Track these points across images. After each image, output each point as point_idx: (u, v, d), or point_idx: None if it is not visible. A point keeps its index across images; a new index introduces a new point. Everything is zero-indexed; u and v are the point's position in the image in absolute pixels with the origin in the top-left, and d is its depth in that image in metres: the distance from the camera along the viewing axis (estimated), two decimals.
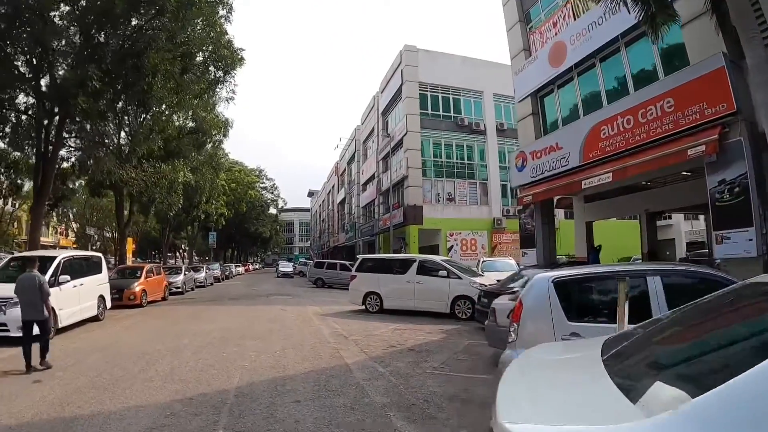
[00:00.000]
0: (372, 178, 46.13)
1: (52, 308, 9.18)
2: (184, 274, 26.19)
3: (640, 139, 12.36)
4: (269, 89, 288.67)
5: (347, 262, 33.74)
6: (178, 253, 76.59)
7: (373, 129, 46.89)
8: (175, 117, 22.84)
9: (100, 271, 14.66)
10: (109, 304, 14.94)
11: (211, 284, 33.73)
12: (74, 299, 12.47)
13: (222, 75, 20.54)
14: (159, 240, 66.40)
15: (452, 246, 34.98)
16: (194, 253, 78.72)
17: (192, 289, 27.70)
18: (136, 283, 18.36)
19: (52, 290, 9.01)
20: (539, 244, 17.91)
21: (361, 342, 10.78)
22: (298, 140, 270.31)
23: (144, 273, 19.42)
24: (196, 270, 32.65)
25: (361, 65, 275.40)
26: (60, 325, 11.54)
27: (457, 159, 36.84)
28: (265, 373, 7.85)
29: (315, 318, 14.97)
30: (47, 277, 10.13)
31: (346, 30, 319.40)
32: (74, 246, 70.62)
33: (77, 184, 27.49)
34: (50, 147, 18.86)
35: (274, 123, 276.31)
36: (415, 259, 16.48)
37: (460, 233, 35.50)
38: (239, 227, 67.17)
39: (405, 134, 35.58)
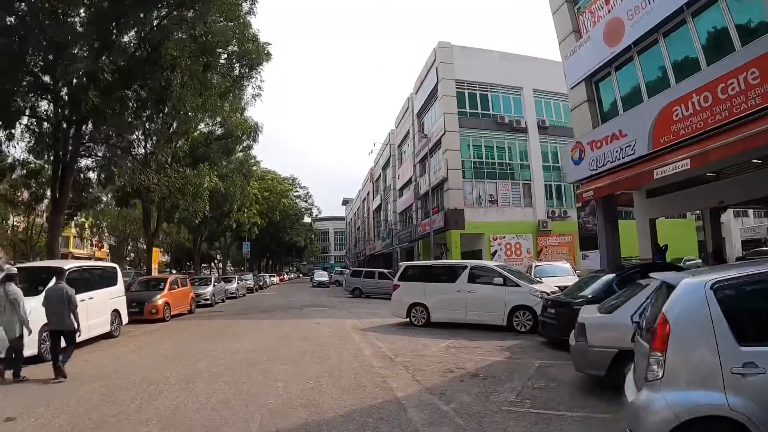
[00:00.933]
0: (409, 182, 44.44)
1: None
2: (214, 285, 24.76)
3: (722, 117, 10.32)
4: (300, 97, 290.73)
5: (386, 270, 31.92)
6: (213, 264, 76.28)
7: (408, 132, 45.26)
8: (201, 121, 21.34)
9: (114, 284, 13.27)
10: (125, 319, 13.49)
11: (243, 295, 32.32)
12: (81, 315, 10.88)
13: (247, 71, 18.96)
14: (192, 251, 66.48)
15: (496, 251, 32.91)
16: (229, 264, 78.35)
17: (223, 301, 26.30)
18: (158, 296, 16.94)
19: None
20: (603, 244, 15.84)
21: (411, 365, 8.86)
22: (332, 148, 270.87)
23: (167, 285, 18.00)
24: (228, 281, 31.31)
25: (393, 68, 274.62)
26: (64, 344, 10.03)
27: (498, 159, 34.86)
28: (295, 414, 6.02)
29: (354, 334, 13.10)
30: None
31: (376, 32, 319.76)
32: (108, 258, 71.19)
33: (103, 193, 26.54)
34: (68, 152, 17.67)
35: (307, 131, 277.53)
36: (465, 265, 14.47)
37: (504, 237, 33.41)
38: (273, 237, 66.08)
39: (443, 134, 33.80)
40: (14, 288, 7.98)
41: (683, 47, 12.74)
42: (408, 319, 14.66)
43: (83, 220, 56.07)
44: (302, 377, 7.91)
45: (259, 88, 19.65)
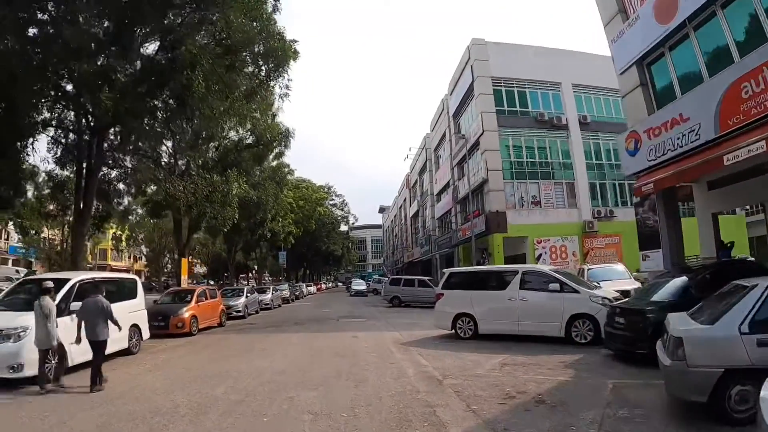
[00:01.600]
0: (446, 186, 43.04)
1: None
2: (246, 297, 23.78)
3: None
4: (335, 104, 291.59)
5: (426, 278, 30.48)
6: (250, 274, 76.30)
7: (444, 134, 43.93)
8: (228, 125, 20.44)
9: (134, 296, 12.36)
10: (146, 335, 12.52)
11: (279, 306, 31.35)
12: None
13: (273, 69, 17.92)
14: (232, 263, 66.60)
15: (540, 254, 31.12)
16: (267, 274, 78.15)
17: (256, 312, 25.34)
18: (184, 309, 15.98)
19: (61, 320, 8.74)
20: (665, 243, 14.27)
21: (463, 389, 7.47)
22: (367, 155, 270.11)
23: (195, 297, 17.05)
24: (262, 291, 30.38)
25: (427, 70, 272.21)
26: (71, 363, 9.13)
27: (539, 158, 33.12)
28: None
29: (395, 349, 11.75)
30: (56, 303, 8.84)
31: (408, 35, 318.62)
32: (146, 270, 72.07)
33: (134, 204, 26.07)
34: (91, 162, 17.03)
35: (342, 139, 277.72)
36: (517, 270, 12.94)
37: (549, 240, 31.55)
38: (310, 246, 65.48)
39: (481, 134, 32.33)
40: (48, 301, 8.27)
41: (746, 17, 11.32)
42: (453, 331, 13.23)
43: (120, 232, 56.91)
44: (335, 407, 6.59)
45: (287, 87, 18.49)
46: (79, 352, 8.94)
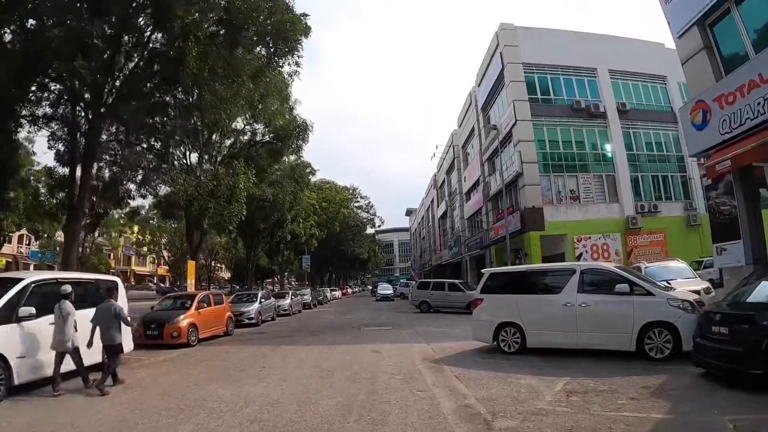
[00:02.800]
0: (476, 184, 40.66)
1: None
2: (261, 302, 21.71)
3: None
4: (357, 109, 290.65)
5: (457, 281, 28.11)
6: (275, 279, 74.97)
7: (473, 129, 41.55)
8: (236, 113, 18.45)
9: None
10: (128, 345, 10.46)
11: (299, 312, 29.25)
12: (45, 342, 8.14)
13: (282, 45, 15.81)
14: (257, 267, 65.05)
15: (581, 254, 28.44)
16: (293, 278, 76.60)
17: (272, 319, 23.29)
18: (181, 316, 13.98)
19: (3, 328, 7.77)
20: (745, 232, 11.90)
21: None
22: (393, 158, 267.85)
23: (195, 303, 15.00)
24: (281, 296, 28.34)
25: (452, 66, 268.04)
26: (16, 382, 7.56)
27: (577, 149, 30.49)
28: None
29: (424, 368, 9.40)
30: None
31: (428, 30, 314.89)
32: (168, 274, 71.15)
33: (143, 204, 24.45)
34: (86, 152, 15.28)
35: (367, 140, 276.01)
36: (573, 269, 10.47)
37: (590, 238, 28.82)
38: (335, 249, 63.58)
39: (513, 125, 29.91)
40: (68, 305, 8.27)
41: None
42: (495, 344, 10.85)
43: (140, 237, 56.03)
44: None
45: (297, 65, 16.31)
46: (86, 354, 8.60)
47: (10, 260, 52.78)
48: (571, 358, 9.58)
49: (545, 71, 30.97)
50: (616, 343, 9.53)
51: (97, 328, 8.49)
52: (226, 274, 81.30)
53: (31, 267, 49.69)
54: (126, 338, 10.60)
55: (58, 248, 42.20)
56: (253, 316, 20.37)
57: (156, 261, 67.75)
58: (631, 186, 29.96)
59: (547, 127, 30.21)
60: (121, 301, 10.64)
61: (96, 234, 35.15)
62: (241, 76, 15.69)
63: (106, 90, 15.28)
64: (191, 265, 21.68)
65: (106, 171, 19.51)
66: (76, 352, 8.28)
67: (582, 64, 30.97)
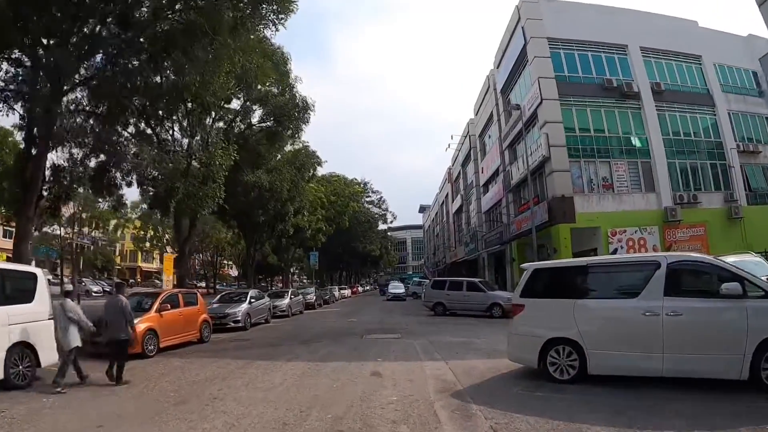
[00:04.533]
0: (495, 174, 37.70)
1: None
2: (250, 303, 18.80)
3: None
4: (368, 105, 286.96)
5: (476, 280, 24.95)
6: (289, 277, 72.45)
7: (491, 116, 38.54)
8: (216, 74, 15.51)
9: (27, 300, 7.74)
10: (47, 358, 7.88)
11: (299, 313, 26.25)
12: None
13: None
14: (265, 264, 62.26)
15: (616, 249, 25.31)
16: (303, 276, 73.78)
17: (266, 321, 20.41)
18: (136, 320, 10.97)
19: None
20: None
21: None
22: (406, 154, 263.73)
23: (156, 303, 12.11)
24: (279, 296, 25.44)
25: (463, 60, 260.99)
26: None
27: (609, 132, 27.35)
28: None
29: (443, 412, 6.18)
30: None
31: (441, 23, 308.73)
32: (174, 271, 68.65)
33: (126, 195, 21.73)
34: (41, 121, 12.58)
35: (380, 137, 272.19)
36: (658, 261, 7.29)
37: (625, 231, 25.68)
38: (346, 246, 60.67)
39: (539, 104, 26.92)
40: (71, 303, 8.29)
41: None
42: (539, 367, 7.76)
43: (143, 232, 53.59)
44: None
45: (278, 12, 13.27)
46: None
47: (10, 256, 50.47)
48: (653, 390, 6.63)
49: (572, 47, 28.09)
50: (720, 368, 6.54)
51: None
52: (234, 271, 78.87)
53: (33, 263, 47.39)
54: (44, 346, 8.20)
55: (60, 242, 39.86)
56: (239, 318, 17.46)
57: (162, 258, 65.44)
58: (668, 174, 26.82)
59: (576, 108, 27.28)
60: (41, 297, 7.97)
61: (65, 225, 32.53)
62: (220, 34, 12.83)
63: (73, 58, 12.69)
64: (168, 258, 18.82)
65: (93, 159, 16.79)
66: (71, 353, 8.01)
67: (611, 41, 28.19)
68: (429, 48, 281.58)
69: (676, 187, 26.81)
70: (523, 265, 9.16)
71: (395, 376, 8.46)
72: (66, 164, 15.75)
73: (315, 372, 9.00)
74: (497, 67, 35.95)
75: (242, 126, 24.38)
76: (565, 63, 27.72)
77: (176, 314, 12.77)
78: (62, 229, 41.72)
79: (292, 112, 23.14)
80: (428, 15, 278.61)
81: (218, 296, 21.18)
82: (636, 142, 27.28)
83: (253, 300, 19.15)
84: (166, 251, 62.56)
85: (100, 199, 24.07)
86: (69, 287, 8.59)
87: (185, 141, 19.35)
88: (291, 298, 25.21)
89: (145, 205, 23.44)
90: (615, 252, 25.24)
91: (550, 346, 7.65)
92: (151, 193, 14.66)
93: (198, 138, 18.24)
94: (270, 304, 21.69)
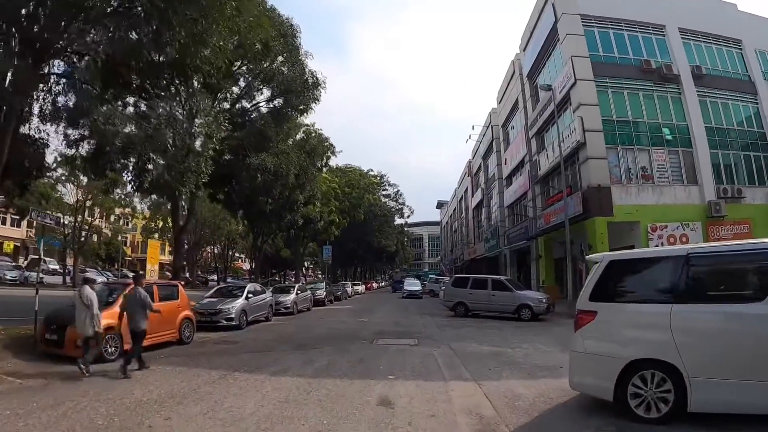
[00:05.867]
0: (520, 165, 35.40)
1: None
2: (247, 299, 16.62)
3: None
4: (385, 101, 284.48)
5: (503, 278, 22.47)
6: (302, 272, 70.54)
7: (515, 103, 36.20)
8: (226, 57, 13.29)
9: None
10: None
11: (306, 310, 23.98)
12: None
13: None
14: (279, 258, 60.45)
15: (656, 247, 22.57)
16: (318, 271, 71.89)
17: (266, 319, 18.25)
18: None
19: None
20: None
21: None
22: (424, 150, 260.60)
23: (122, 296, 9.95)
24: (284, 291, 23.27)
25: (484, 54, 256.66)
26: None
27: (648, 118, 24.83)
28: None
29: None
30: None
31: (461, 16, 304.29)
32: (185, 265, 66.89)
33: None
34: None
35: (397, 135, 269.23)
36: None
37: (666, 227, 23.15)
38: (361, 241, 58.48)
39: (572, 85, 24.63)
40: (89, 291, 8.43)
41: None
42: (615, 399, 5.41)
43: (153, 224, 51.84)
44: None
45: None
46: None
47: (18, 244, 49.21)
48: None
49: (606, 25, 25.86)
50: None
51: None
52: (247, 264, 77.24)
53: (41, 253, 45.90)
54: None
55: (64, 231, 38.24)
56: (232, 316, 15.24)
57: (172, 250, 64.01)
58: (711, 165, 24.31)
59: (612, 91, 24.99)
60: None
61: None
62: None
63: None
64: (153, 245, 16.57)
65: (86, 143, 14.69)
66: (92, 338, 8.38)
67: (648, 20, 25.97)
68: (446, 44, 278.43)
69: (719, 180, 24.29)
70: (593, 256, 6.74)
71: (412, 406, 6.16)
72: (37, 136, 13.62)
73: (303, 396, 6.73)
74: (523, 50, 33.77)
75: (247, 105, 22.25)
76: (600, 42, 25.47)
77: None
78: (64, 217, 40.22)
79: (300, 89, 20.93)
80: (446, 11, 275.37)
81: (212, 290, 19.00)
82: (676, 129, 24.70)
83: (250, 295, 16.90)
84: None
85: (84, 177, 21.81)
86: (90, 275, 8.42)
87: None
88: (297, 294, 22.94)
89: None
90: None
91: (633, 370, 5.35)
92: (129, 169, 12.36)
93: (183, 106, 16.11)
94: (272, 300, 19.48)
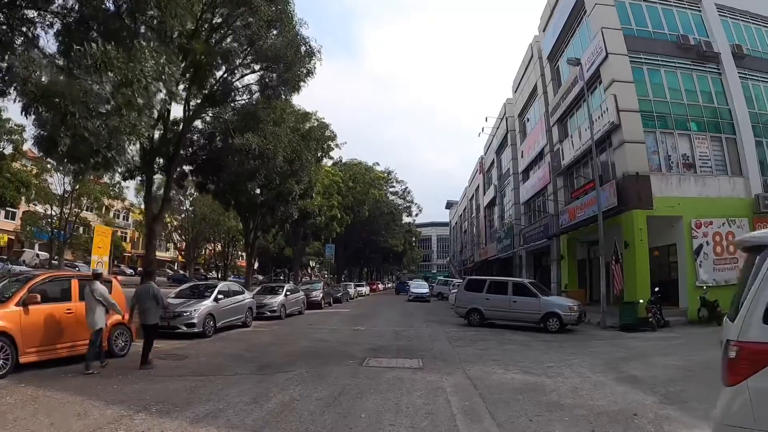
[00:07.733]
0: (539, 157, 32.52)
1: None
2: (216, 301, 13.67)
3: None
4: (394, 102, 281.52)
5: (526, 281, 19.20)
6: (307, 271, 67.75)
7: (534, 88, 33.36)
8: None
9: None
10: None
11: (298, 313, 20.96)
12: None
13: None
14: (282, 256, 57.79)
15: (701, 246, 19.79)
16: (325, 271, 69.01)
17: (243, 324, 15.27)
18: None
19: None
20: None
21: None
22: (434, 149, 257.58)
23: (23, 290, 7.55)
24: (272, 291, 20.34)
25: (494, 56, 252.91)
26: None
27: (687, 100, 21.82)
28: None
29: None
30: None
31: (473, 15, 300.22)
32: (181, 260, 64.41)
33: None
34: None
35: (404, 135, 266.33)
36: None
37: (711, 223, 20.05)
38: (367, 240, 55.51)
39: (603, 60, 21.73)
40: (99, 286, 8.26)
41: None
42: None
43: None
44: None
45: None
46: None
47: (12, 237, 46.77)
48: None
49: None
50: None
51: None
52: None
53: (36, 246, 43.79)
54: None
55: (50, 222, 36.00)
56: (194, 321, 12.27)
57: (176, 246, 61.47)
58: (756, 155, 21.28)
59: (647, 68, 21.97)
60: None
61: None
62: None
63: None
64: (100, 231, 13.68)
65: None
66: (99, 333, 8.08)
67: None
68: (456, 46, 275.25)
69: (766, 172, 21.27)
70: (751, 235, 3.68)
71: None
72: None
73: None
74: (542, 31, 30.92)
75: (230, 78, 19.41)
76: (632, 15, 22.58)
77: (59, 311, 7.92)
78: (51, 207, 37.88)
79: (291, 58, 18.00)
80: (459, 12, 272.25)
81: (179, 288, 16.08)
82: (718, 113, 21.71)
83: (221, 296, 13.90)
84: (173, 239, 58.51)
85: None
86: (99, 269, 8.79)
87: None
88: (286, 296, 19.96)
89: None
90: (699, 249, 19.68)
91: None
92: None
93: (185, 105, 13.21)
94: (251, 302, 16.48)
